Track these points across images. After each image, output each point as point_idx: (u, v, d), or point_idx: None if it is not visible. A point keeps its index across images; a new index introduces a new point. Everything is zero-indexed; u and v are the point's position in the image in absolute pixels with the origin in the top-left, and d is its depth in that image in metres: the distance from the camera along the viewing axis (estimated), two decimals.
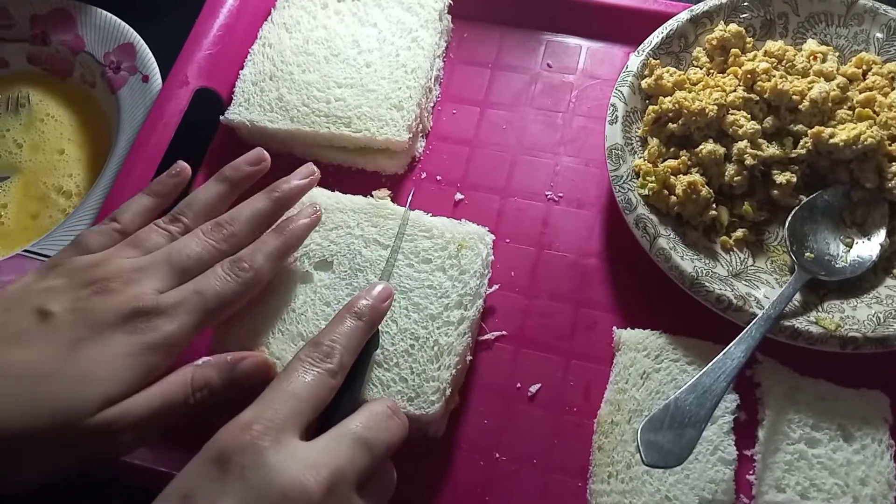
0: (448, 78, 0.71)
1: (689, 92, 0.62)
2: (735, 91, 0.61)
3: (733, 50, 0.64)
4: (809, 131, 0.59)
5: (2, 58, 0.74)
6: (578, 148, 0.67)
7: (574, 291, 0.61)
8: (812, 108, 0.59)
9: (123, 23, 0.73)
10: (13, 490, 0.44)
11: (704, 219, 0.59)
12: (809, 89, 0.60)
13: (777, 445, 0.53)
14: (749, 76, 0.61)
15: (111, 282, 0.46)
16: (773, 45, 0.63)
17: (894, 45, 0.63)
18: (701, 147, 0.60)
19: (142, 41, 0.72)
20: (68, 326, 0.44)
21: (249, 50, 0.68)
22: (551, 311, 0.60)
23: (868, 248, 0.58)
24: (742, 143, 0.59)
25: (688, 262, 0.56)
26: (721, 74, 0.64)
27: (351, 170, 0.66)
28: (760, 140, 0.60)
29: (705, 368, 0.50)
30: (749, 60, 0.63)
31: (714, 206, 0.59)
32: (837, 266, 0.57)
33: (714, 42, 0.64)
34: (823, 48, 0.64)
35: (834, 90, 0.60)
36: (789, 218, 0.58)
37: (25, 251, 0.61)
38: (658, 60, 0.64)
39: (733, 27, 0.64)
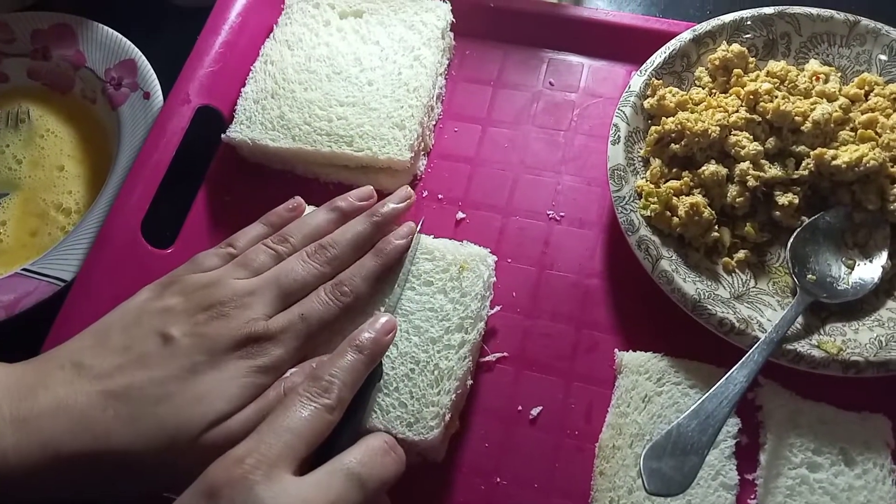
0: (450, 96, 0.71)
1: (692, 112, 0.61)
2: (737, 112, 0.61)
3: (736, 70, 0.64)
4: (812, 153, 0.59)
5: (2, 72, 0.74)
6: (580, 167, 0.67)
7: (575, 312, 0.60)
8: (814, 130, 0.59)
9: (125, 39, 0.73)
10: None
11: (707, 240, 0.59)
12: (812, 110, 0.60)
13: (779, 470, 0.52)
14: (751, 97, 0.61)
15: (225, 306, 0.50)
16: (776, 66, 0.63)
17: None
18: (703, 168, 0.59)
19: (143, 57, 0.72)
20: (188, 351, 0.48)
21: (251, 67, 0.68)
22: (553, 332, 0.60)
23: (870, 270, 0.57)
24: (744, 165, 0.59)
25: (690, 284, 0.56)
26: (723, 94, 0.64)
27: (352, 188, 0.65)
28: (763, 161, 0.59)
29: (707, 393, 0.49)
30: (751, 81, 0.63)
31: (716, 227, 0.59)
32: (839, 288, 0.57)
33: (716, 62, 0.64)
34: (826, 69, 0.64)
35: (836, 111, 0.60)
36: (791, 239, 0.58)
37: (25, 270, 0.61)
38: (660, 80, 0.63)
39: (736, 47, 0.64)
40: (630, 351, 0.57)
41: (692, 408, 0.49)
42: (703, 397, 0.49)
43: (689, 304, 0.55)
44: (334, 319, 0.52)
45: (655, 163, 0.61)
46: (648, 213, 0.58)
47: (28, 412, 0.45)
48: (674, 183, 0.60)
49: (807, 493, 0.51)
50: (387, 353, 0.52)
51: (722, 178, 0.59)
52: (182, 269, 0.54)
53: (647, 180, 0.60)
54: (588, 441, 0.55)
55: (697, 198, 0.58)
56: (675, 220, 0.58)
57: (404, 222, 0.58)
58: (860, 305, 0.57)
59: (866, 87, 0.63)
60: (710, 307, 0.55)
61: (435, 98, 0.68)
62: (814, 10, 0.65)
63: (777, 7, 0.66)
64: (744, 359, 0.51)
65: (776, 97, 0.61)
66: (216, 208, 0.66)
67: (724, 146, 0.60)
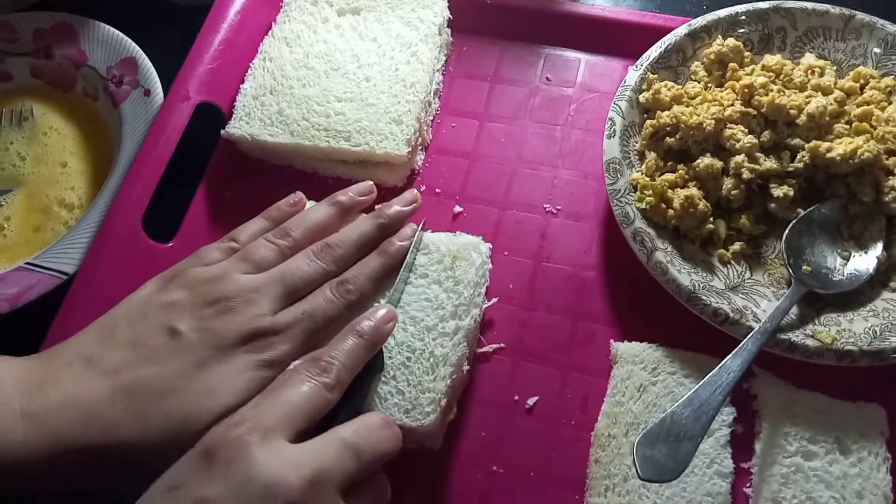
0: (447, 91, 0.72)
1: (687, 106, 0.62)
2: (733, 105, 0.61)
3: (731, 64, 0.64)
4: (807, 145, 0.59)
5: (6, 71, 0.75)
6: (577, 161, 0.67)
7: (572, 304, 0.61)
8: (809, 123, 0.59)
9: (126, 37, 0.73)
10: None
11: (702, 232, 0.59)
12: (807, 104, 0.60)
13: (774, 458, 0.53)
14: (746, 90, 0.62)
15: (231, 301, 0.50)
16: (771, 60, 0.64)
17: (891, 59, 0.63)
18: (698, 161, 0.60)
19: (144, 55, 0.72)
20: (195, 346, 0.48)
21: (250, 64, 0.68)
22: (549, 323, 0.60)
23: (865, 261, 0.58)
24: (739, 157, 0.59)
25: (685, 275, 0.56)
26: (719, 89, 0.64)
27: (350, 182, 0.66)
28: (758, 154, 0.60)
29: (701, 382, 0.50)
30: (747, 75, 0.63)
31: (711, 219, 0.59)
32: (834, 279, 0.57)
33: (712, 56, 0.65)
34: (821, 62, 0.64)
35: (831, 104, 0.60)
36: (786, 231, 0.58)
37: (28, 263, 0.61)
38: (656, 75, 0.64)
39: (731, 42, 0.64)
40: (625, 342, 0.58)
41: (686, 396, 0.49)
42: (698, 385, 0.49)
43: (683, 294, 0.56)
44: (339, 316, 0.52)
45: (651, 156, 0.61)
46: (643, 206, 0.59)
47: (38, 407, 0.46)
48: (669, 176, 0.60)
49: (802, 481, 0.52)
50: (385, 344, 0.53)
51: (717, 171, 0.60)
52: (185, 262, 0.55)
53: (642, 173, 0.61)
54: (584, 430, 0.55)
55: (692, 190, 0.59)
56: (671, 212, 0.58)
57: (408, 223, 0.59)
58: (855, 296, 0.57)
59: (861, 81, 0.63)
60: (704, 298, 0.55)
61: (432, 94, 0.68)
62: (809, 5, 0.66)
63: (772, 2, 0.66)
64: (738, 348, 0.51)
65: (771, 91, 0.61)
66: (216, 203, 0.66)
67: (720, 139, 0.61)
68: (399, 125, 0.63)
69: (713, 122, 0.60)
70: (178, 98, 0.65)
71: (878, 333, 0.54)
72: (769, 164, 0.59)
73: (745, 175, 0.59)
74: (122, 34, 0.74)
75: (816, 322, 0.56)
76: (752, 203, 0.61)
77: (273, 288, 0.52)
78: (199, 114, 0.66)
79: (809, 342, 0.54)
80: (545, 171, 0.67)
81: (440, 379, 0.51)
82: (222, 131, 0.65)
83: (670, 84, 0.64)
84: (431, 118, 0.69)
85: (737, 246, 0.60)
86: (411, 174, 0.67)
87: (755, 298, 0.57)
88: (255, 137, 0.64)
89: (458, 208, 0.65)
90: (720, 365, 0.51)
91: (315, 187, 0.64)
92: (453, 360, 0.52)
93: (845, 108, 0.61)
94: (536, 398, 0.57)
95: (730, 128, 0.60)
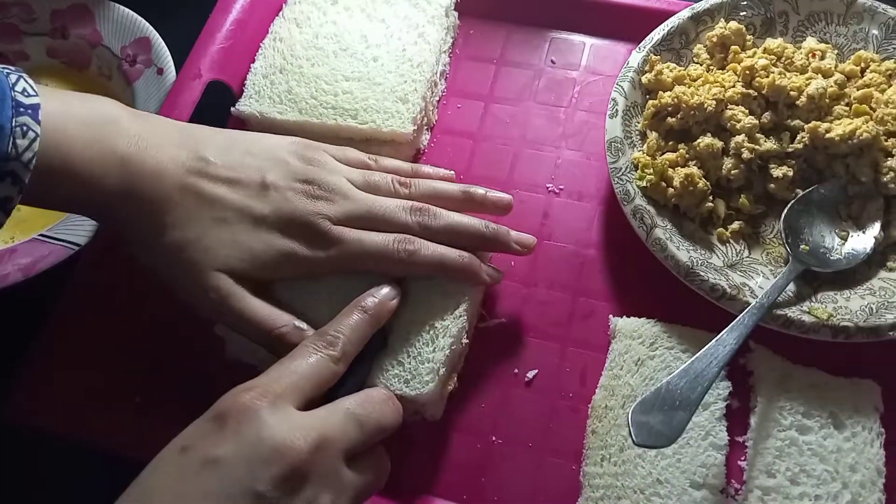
0: (454, 73, 0.73)
1: (689, 87, 0.63)
2: (734, 87, 0.62)
3: (733, 47, 0.65)
4: (806, 126, 0.60)
5: (23, 51, 0.77)
6: (580, 142, 0.68)
7: (572, 281, 0.62)
8: (809, 104, 0.60)
9: (140, 17, 0.75)
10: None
11: (701, 211, 0.60)
12: (807, 86, 0.61)
13: (768, 432, 0.53)
14: (748, 72, 0.62)
15: (320, 189, 0.53)
16: (773, 43, 0.64)
17: (892, 43, 0.64)
18: (699, 141, 0.61)
19: (157, 35, 0.74)
20: (264, 202, 0.52)
21: (261, 44, 0.70)
22: (550, 299, 0.61)
23: (863, 241, 0.58)
24: (740, 138, 0.60)
25: (683, 252, 0.57)
26: (721, 71, 0.65)
27: None
28: (758, 135, 0.61)
29: (697, 354, 0.50)
30: (748, 57, 0.64)
31: (711, 198, 0.60)
32: (832, 258, 0.58)
33: (714, 39, 0.65)
34: (822, 46, 0.65)
35: (831, 87, 0.60)
36: (785, 211, 0.59)
37: (41, 235, 0.63)
38: (659, 57, 0.65)
39: (734, 25, 0.65)
40: (624, 317, 0.58)
41: (682, 367, 0.50)
42: (693, 357, 0.50)
43: (682, 270, 0.56)
44: (382, 265, 0.53)
45: (652, 136, 0.62)
46: (644, 184, 0.59)
47: (134, 155, 0.50)
48: (670, 155, 0.61)
49: (796, 455, 0.52)
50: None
51: (717, 151, 0.60)
52: (333, 148, 0.57)
53: (643, 152, 0.61)
54: (582, 402, 0.56)
55: (692, 169, 0.60)
56: (671, 190, 0.59)
57: None
58: (852, 275, 0.58)
59: (862, 65, 0.64)
60: (702, 274, 0.56)
61: (438, 75, 0.70)
62: None
63: None
64: (734, 322, 0.52)
65: (772, 73, 0.62)
66: None
67: (720, 120, 0.61)
68: (405, 104, 0.65)
69: (714, 102, 0.61)
70: (189, 76, 0.67)
71: (874, 310, 0.55)
72: (769, 144, 0.60)
73: (745, 155, 0.60)
74: (136, 14, 0.75)
75: (813, 299, 0.56)
76: (751, 183, 0.62)
77: (356, 207, 0.53)
78: (211, 92, 0.67)
79: (806, 318, 0.54)
80: (548, 151, 0.68)
81: (439, 350, 0.52)
82: (232, 109, 0.66)
83: (672, 65, 0.64)
84: (437, 99, 0.70)
85: (736, 225, 0.60)
86: (417, 154, 0.68)
87: (753, 276, 0.58)
88: (265, 115, 0.65)
89: None
90: (716, 338, 0.51)
91: None
92: (453, 332, 0.53)
93: (845, 90, 0.61)
94: (536, 371, 0.58)
95: (730, 108, 0.61)
